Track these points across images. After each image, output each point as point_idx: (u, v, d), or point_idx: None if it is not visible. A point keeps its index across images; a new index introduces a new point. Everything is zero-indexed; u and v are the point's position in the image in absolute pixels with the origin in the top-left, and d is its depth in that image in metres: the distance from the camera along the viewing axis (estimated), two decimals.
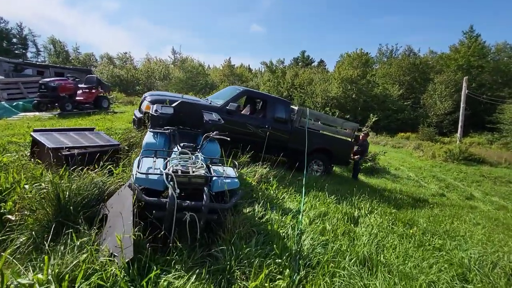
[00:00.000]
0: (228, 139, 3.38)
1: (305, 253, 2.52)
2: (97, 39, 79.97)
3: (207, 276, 1.98)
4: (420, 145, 17.99)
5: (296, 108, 6.30)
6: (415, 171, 12.75)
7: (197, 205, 2.33)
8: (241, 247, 2.24)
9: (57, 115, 7.00)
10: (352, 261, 2.51)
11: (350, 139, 6.98)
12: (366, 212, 4.30)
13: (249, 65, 48.17)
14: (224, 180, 2.61)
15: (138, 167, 2.47)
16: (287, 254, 2.37)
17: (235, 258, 2.13)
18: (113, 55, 40.67)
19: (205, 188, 2.42)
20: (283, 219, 3.14)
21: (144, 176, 2.34)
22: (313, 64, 47.60)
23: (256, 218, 3.04)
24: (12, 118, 6.54)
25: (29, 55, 39.30)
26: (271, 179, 4.48)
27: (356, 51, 27.79)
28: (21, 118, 6.43)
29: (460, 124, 17.55)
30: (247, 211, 3.13)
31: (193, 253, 2.24)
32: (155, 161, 2.62)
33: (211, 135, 3.37)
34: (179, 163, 2.59)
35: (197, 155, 2.75)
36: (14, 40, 38.19)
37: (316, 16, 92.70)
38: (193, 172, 2.51)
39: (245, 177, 4.23)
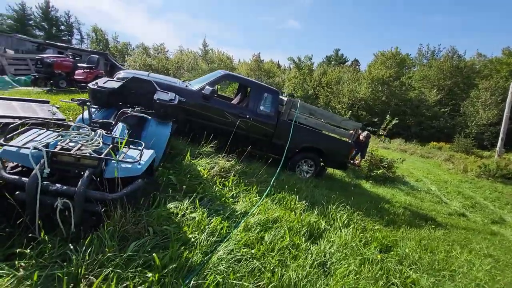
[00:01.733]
0: (147, 117, 2.91)
1: (206, 267, 1.96)
2: (140, 31, 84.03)
3: (38, 282, 1.53)
4: (451, 157, 16.01)
5: (285, 98, 5.63)
6: (439, 184, 11.25)
7: (68, 191, 1.89)
8: (103, 250, 1.75)
9: (46, 91, 7.10)
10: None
11: (349, 140, 6.12)
12: (340, 225, 3.58)
13: (278, 61, 47.25)
14: (124, 166, 2.14)
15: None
16: (172, 267, 1.84)
17: (87, 264, 1.65)
18: (149, 45, 42.30)
19: (87, 171, 1.97)
20: (211, 220, 2.60)
21: (14, 149, 1.95)
22: (346, 64, 45.33)
23: (179, 216, 2.55)
24: (5, 91, 6.72)
25: (74, 41, 42.34)
26: (232, 174, 3.93)
27: (391, 50, 25.60)
28: (11, 91, 6.61)
29: (501, 136, 15.21)
30: (171, 206, 2.64)
31: (55, 249, 1.81)
32: (46, 135, 2.22)
33: (130, 112, 2.92)
34: (69, 139, 2.17)
35: (98, 132, 2.30)
36: (62, 27, 41.33)
37: (356, 13, 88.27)
38: (80, 150, 2.08)
39: (198, 168, 3.74)
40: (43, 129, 2.31)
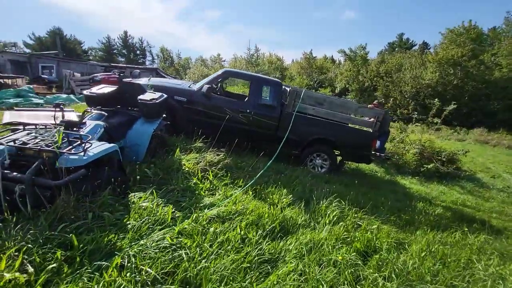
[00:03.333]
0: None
1: (125, 252, 2.03)
2: (202, 45, 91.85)
3: None
4: None
5: (289, 89, 5.32)
6: None
7: (19, 178, 2.23)
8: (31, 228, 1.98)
9: None
10: None
11: (370, 130, 5.38)
12: (326, 222, 3.21)
13: (332, 56, 44.99)
14: (72, 157, 2.40)
15: None
16: (89, 248, 1.97)
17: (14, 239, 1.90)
18: (207, 57, 45.84)
19: (38, 161, 2.29)
20: (163, 209, 2.66)
21: None
22: (413, 48, 40.05)
23: (131, 205, 2.69)
24: (68, 105, 8.32)
25: (147, 62, 49.01)
26: (218, 168, 3.93)
27: (463, 24, 21.37)
28: (73, 105, 8.12)
29: None
30: (131, 196, 2.81)
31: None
32: (24, 134, 2.66)
33: (89, 110, 3.21)
34: (35, 136, 2.55)
35: (53, 130, 2.63)
36: (138, 51, 48.36)
37: None
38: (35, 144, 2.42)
39: (182, 161, 3.86)
40: (31, 130, 2.77)
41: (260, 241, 2.57)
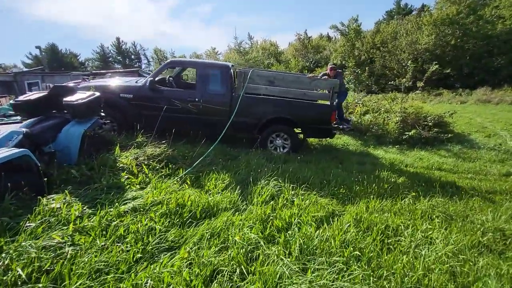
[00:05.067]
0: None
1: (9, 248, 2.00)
2: (197, 41, 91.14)
3: None
4: None
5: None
6: None
7: None
8: None
9: None
10: None
11: (328, 102, 5.12)
12: (259, 202, 3.08)
13: (327, 34, 43.46)
14: None
15: None
16: None
17: None
18: (201, 52, 45.42)
19: None
20: (73, 208, 2.61)
21: None
22: (412, 14, 38.03)
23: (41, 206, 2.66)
24: None
25: (143, 66, 49.20)
26: (156, 161, 3.85)
27: None
28: None
29: None
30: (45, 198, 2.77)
31: None
32: None
33: None
34: None
35: None
36: (132, 56, 48.59)
37: None
38: None
39: (120, 158, 3.80)
40: None
41: (168, 229, 2.49)
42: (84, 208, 2.68)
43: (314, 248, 2.20)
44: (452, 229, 2.73)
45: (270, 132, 5.12)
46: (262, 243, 2.20)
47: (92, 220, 2.49)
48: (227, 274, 1.93)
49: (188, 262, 2.03)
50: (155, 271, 1.94)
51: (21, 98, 3.77)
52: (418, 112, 8.38)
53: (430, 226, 2.76)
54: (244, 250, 2.12)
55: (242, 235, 2.31)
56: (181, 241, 2.36)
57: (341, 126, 5.46)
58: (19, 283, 1.80)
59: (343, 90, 6.55)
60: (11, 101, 3.78)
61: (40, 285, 1.79)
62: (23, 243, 2.06)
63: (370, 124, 7.95)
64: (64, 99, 3.66)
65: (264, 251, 2.14)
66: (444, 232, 2.62)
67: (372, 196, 3.45)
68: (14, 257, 1.93)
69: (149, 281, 1.81)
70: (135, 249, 2.17)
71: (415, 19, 25.95)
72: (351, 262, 2.05)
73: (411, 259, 2.17)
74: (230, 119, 4.52)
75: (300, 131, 5.38)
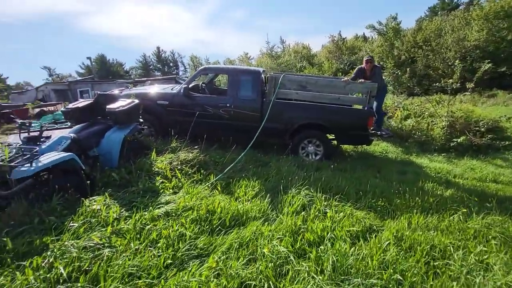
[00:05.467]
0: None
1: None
2: (231, 47, 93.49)
3: None
4: None
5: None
6: None
7: None
8: None
9: None
10: None
11: (363, 106, 4.83)
12: (289, 212, 2.99)
13: (363, 34, 41.70)
14: (22, 169, 2.64)
15: None
16: (17, 249, 2.15)
17: None
18: (234, 58, 46.51)
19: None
20: (111, 210, 2.76)
21: None
22: (459, 9, 34.94)
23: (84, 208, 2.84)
24: None
25: (180, 72, 51.75)
26: (188, 166, 3.94)
27: None
28: None
29: None
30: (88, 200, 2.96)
31: None
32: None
33: (45, 126, 3.44)
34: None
35: (12, 145, 2.92)
36: (171, 64, 51.39)
37: None
38: None
39: (156, 162, 3.95)
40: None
41: (198, 236, 2.51)
42: (122, 210, 2.82)
43: (349, 267, 2.04)
44: None
45: (301, 138, 4.98)
46: (292, 257, 2.10)
47: (128, 222, 2.60)
48: None
49: (216, 272, 2.01)
50: (183, 279, 1.95)
51: (70, 106, 4.13)
52: (468, 116, 7.56)
53: (486, 249, 2.42)
54: (272, 264, 2.03)
55: (271, 247, 2.22)
56: (210, 249, 2.35)
57: (379, 133, 5.11)
58: (61, 281, 1.92)
59: (383, 85, 5.84)
60: (62, 109, 4.17)
61: (79, 284, 1.88)
62: (66, 243, 2.21)
63: (412, 129, 7.37)
64: (107, 106, 3.92)
65: (294, 267, 2.03)
66: (503, 257, 2.27)
67: (415, 210, 3.14)
68: (57, 255, 2.08)
69: None
70: (165, 255, 2.21)
71: (463, 14, 23.74)
72: (391, 286, 1.86)
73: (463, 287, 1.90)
74: (261, 124, 4.48)
75: (333, 137, 5.15)
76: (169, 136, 4.86)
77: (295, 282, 1.88)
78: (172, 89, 5.41)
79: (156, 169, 3.83)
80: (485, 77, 18.79)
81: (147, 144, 4.46)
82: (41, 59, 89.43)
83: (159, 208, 2.92)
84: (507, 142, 6.65)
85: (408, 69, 23.49)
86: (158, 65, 50.01)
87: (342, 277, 1.94)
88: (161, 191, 3.38)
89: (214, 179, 3.64)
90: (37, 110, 13.25)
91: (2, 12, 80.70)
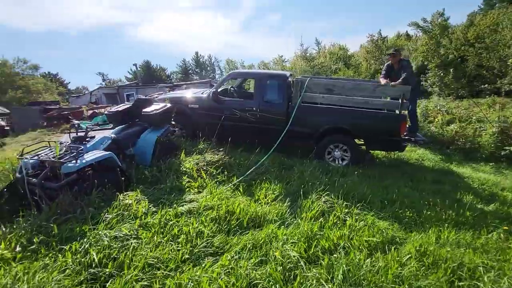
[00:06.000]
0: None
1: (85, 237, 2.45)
2: (266, 49, 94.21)
3: None
4: None
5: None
6: None
7: (33, 182, 2.97)
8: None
9: None
10: None
11: (395, 111, 4.57)
12: (308, 217, 2.99)
13: (406, 31, 39.04)
14: (69, 165, 3.03)
15: None
16: (61, 235, 2.47)
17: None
18: (269, 61, 46.85)
19: (45, 170, 3.00)
20: (140, 205, 3.02)
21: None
22: None
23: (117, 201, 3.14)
24: None
25: (216, 76, 53.56)
26: (214, 167, 4.11)
27: None
28: None
29: None
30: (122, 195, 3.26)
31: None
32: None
33: (91, 127, 3.80)
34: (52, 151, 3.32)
35: (62, 143, 3.34)
36: (208, 68, 53.47)
37: None
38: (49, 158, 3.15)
39: (184, 163, 4.20)
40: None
41: (215, 235, 2.63)
42: (150, 206, 3.07)
43: (362, 278, 1.98)
44: None
45: (327, 142, 4.88)
46: (302, 263, 2.11)
47: (154, 217, 2.83)
48: None
49: (227, 271, 2.10)
50: (197, 273, 2.08)
51: (112, 109, 4.59)
52: None
53: None
54: (282, 267, 2.06)
55: (283, 251, 2.25)
56: (225, 248, 2.46)
57: (413, 139, 4.78)
58: (93, 265, 2.17)
59: (414, 83, 5.15)
60: (106, 112, 4.65)
61: (107, 270, 2.12)
62: (100, 232, 2.49)
63: (455, 135, 6.75)
64: (143, 110, 4.29)
65: (303, 272, 2.04)
66: None
67: (446, 224, 2.91)
68: (92, 243, 2.35)
69: (190, 283, 1.94)
70: (184, 250, 2.37)
71: None
72: None
73: None
74: (286, 128, 4.50)
75: (362, 143, 4.97)
76: (198, 138, 5.13)
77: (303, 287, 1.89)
78: (202, 93, 5.69)
79: (184, 169, 4.08)
80: None
81: (178, 145, 4.76)
82: (97, 66, 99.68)
83: (182, 205, 3.12)
84: None
85: (451, 69, 21.47)
86: (197, 69, 52.36)
87: None
88: (186, 190, 3.60)
89: (236, 180, 3.75)
90: (90, 112, 14.83)
91: (66, 24, 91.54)
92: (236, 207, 3.06)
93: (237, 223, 2.87)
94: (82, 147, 3.21)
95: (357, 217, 2.98)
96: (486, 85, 10.74)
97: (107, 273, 2.06)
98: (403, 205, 3.42)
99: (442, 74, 14.75)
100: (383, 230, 2.73)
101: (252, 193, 3.64)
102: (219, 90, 5.42)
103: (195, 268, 2.14)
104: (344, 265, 2.06)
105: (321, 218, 2.92)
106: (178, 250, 2.37)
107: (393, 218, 3.12)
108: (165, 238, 2.52)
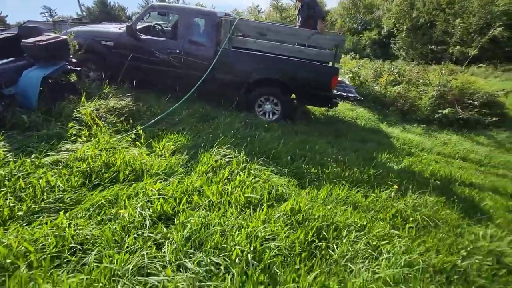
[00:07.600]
0: None
1: None
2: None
3: None
4: None
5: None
6: None
7: None
8: None
9: None
10: None
11: (328, 63, 4.21)
12: (200, 171, 2.67)
13: None
14: None
15: None
16: None
17: None
18: (243, 9, 42.96)
19: None
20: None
21: None
22: None
23: None
24: None
25: None
26: (114, 115, 3.56)
27: None
28: None
29: None
30: None
31: None
32: None
33: None
34: None
35: None
36: None
37: None
38: None
39: (80, 108, 3.58)
40: None
41: (78, 189, 2.23)
42: (7, 155, 2.54)
43: (208, 238, 1.75)
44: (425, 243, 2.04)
45: (257, 94, 4.47)
46: (148, 223, 1.81)
47: (4, 168, 2.33)
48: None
49: (58, 230, 1.75)
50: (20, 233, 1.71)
51: None
52: (464, 87, 6.81)
53: (399, 233, 2.10)
54: (120, 227, 1.76)
55: (138, 208, 1.93)
56: (77, 205, 2.09)
57: (344, 94, 4.52)
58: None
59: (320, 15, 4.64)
60: None
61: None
62: None
63: (397, 96, 6.71)
64: (22, 40, 3.43)
65: (145, 234, 1.76)
66: (405, 244, 1.95)
67: (343, 182, 2.79)
68: None
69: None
70: (20, 206, 1.96)
71: None
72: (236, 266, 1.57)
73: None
74: (205, 74, 3.95)
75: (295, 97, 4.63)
76: (116, 81, 4.44)
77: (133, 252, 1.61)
78: (120, 29, 4.78)
79: (78, 115, 3.47)
80: (506, 48, 17.07)
81: (78, 87, 4.04)
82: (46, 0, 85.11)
83: (52, 156, 2.62)
84: (493, 119, 6.01)
85: (420, 33, 21.31)
86: None
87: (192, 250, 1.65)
88: (73, 138, 3.07)
89: (134, 130, 3.29)
90: None
91: None
92: (118, 159, 2.65)
93: (112, 176, 2.48)
94: None
95: (253, 172, 2.73)
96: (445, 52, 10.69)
97: None
98: (313, 161, 3.25)
99: (411, 37, 14.46)
100: (274, 186, 2.53)
101: (151, 144, 3.23)
102: (139, 26, 4.58)
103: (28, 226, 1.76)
104: (198, 224, 1.80)
105: (210, 173, 2.63)
106: (13, 206, 1.95)
107: (296, 175, 2.94)
108: (2, 192, 2.07)
